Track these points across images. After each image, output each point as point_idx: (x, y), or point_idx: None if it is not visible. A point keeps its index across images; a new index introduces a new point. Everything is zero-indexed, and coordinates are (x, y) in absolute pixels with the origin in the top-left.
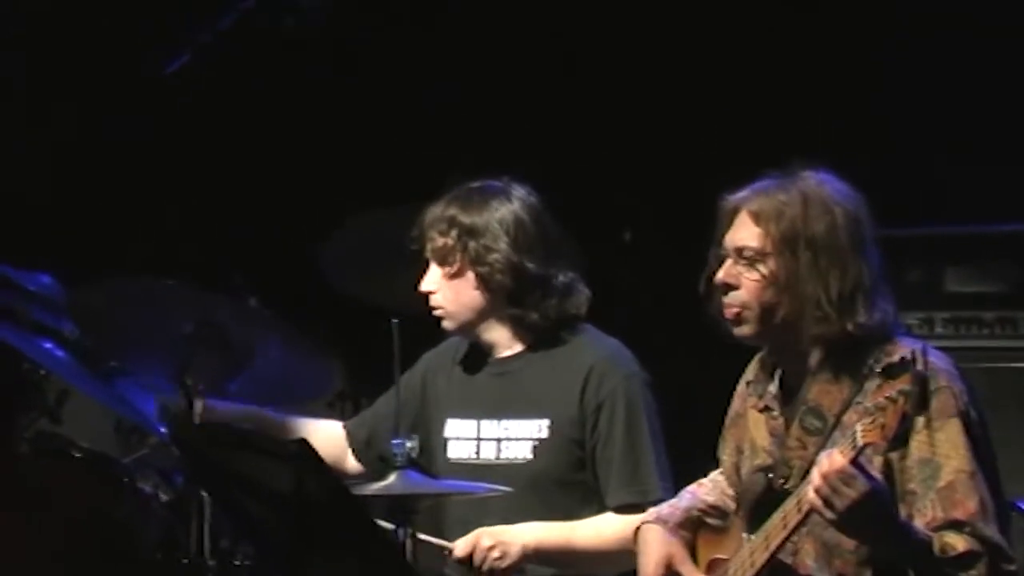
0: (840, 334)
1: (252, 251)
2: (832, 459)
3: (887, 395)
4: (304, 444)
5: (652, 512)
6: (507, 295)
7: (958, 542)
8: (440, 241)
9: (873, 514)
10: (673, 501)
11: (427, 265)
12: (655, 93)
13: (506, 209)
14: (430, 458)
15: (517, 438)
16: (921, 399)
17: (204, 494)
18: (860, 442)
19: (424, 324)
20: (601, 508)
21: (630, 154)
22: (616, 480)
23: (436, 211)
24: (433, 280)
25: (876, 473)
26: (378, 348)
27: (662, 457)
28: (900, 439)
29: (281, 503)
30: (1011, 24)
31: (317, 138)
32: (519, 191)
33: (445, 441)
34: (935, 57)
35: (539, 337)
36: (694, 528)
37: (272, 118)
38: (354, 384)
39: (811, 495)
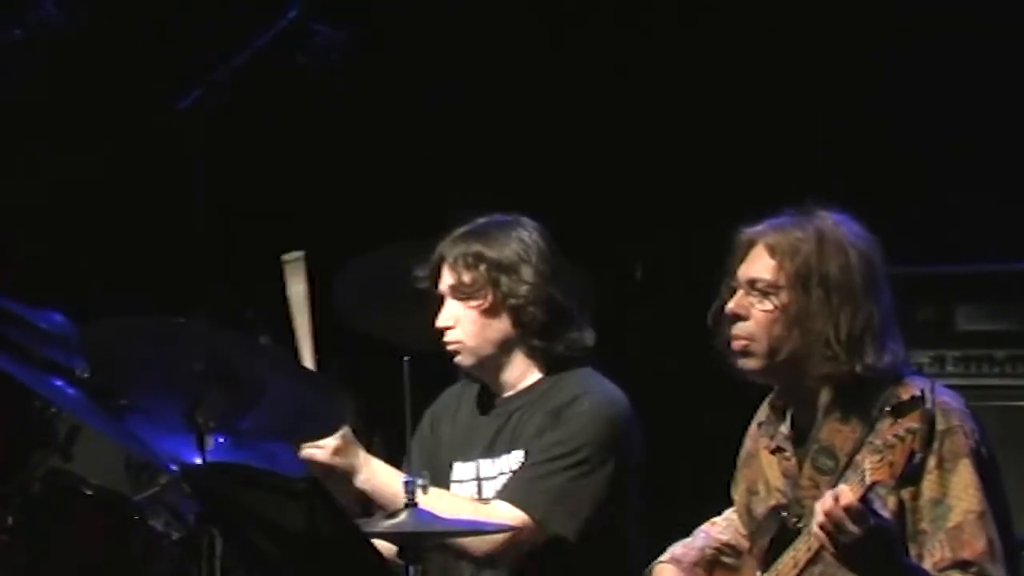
0: (848, 374)
1: (262, 288)
2: (841, 494)
3: (895, 433)
4: (314, 482)
5: (667, 552)
6: (536, 327)
7: None
8: (467, 276)
9: (877, 552)
10: (687, 540)
11: (440, 301)
12: (661, 118)
13: (528, 241)
14: None
15: (507, 472)
16: (929, 437)
17: (215, 532)
18: (869, 480)
19: (435, 362)
20: None
21: (640, 189)
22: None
23: (456, 247)
24: (452, 315)
25: (885, 512)
26: (389, 387)
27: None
28: (909, 477)
29: (291, 541)
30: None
31: (326, 174)
32: (530, 223)
33: (450, 485)
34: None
35: (555, 366)
36: (709, 567)
37: (283, 154)
38: (365, 422)
39: (815, 529)
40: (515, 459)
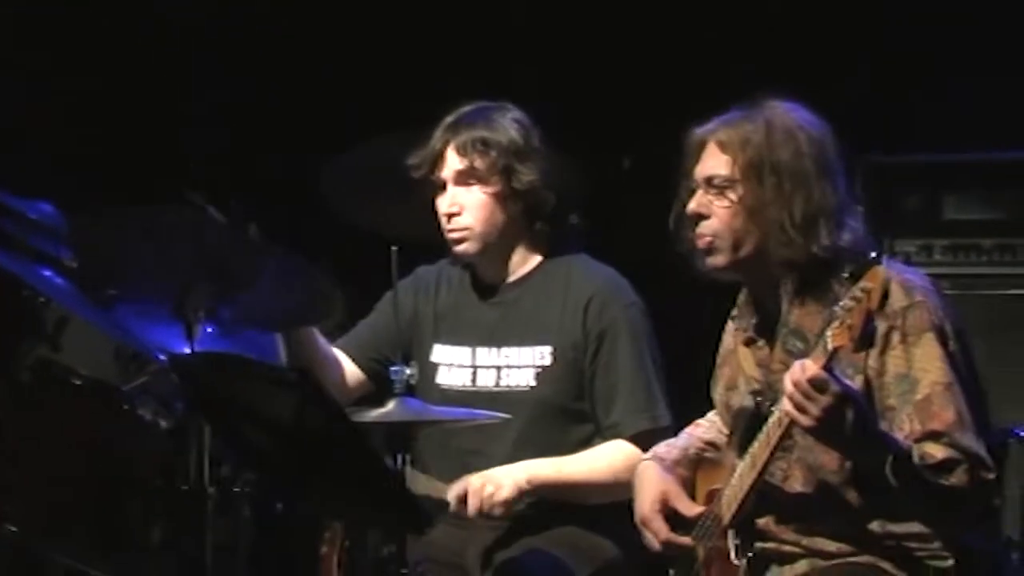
0: (806, 257)
1: (251, 179)
2: (804, 366)
3: (852, 296)
4: (304, 372)
5: (650, 452)
6: (543, 211)
7: (936, 451)
8: (479, 162)
9: (848, 420)
10: (670, 441)
11: (438, 190)
12: (653, 10)
13: (526, 125)
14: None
15: (519, 365)
16: (883, 295)
17: (204, 421)
18: (831, 346)
19: (423, 251)
20: (591, 433)
21: (629, 77)
22: (625, 407)
23: (461, 133)
24: (458, 201)
25: (850, 382)
26: (376, 277)
27: (664, 386)
28: (867, 338)
29: (281, 430)
30: None
31: (317, 63)
32: (517, 110)
33: (435, 367)
34: None
35: (552, 251)
36: (692, 466)
37: (271, 43)
38: (352, 313)
39: (785, 404)
40: (540, 353)
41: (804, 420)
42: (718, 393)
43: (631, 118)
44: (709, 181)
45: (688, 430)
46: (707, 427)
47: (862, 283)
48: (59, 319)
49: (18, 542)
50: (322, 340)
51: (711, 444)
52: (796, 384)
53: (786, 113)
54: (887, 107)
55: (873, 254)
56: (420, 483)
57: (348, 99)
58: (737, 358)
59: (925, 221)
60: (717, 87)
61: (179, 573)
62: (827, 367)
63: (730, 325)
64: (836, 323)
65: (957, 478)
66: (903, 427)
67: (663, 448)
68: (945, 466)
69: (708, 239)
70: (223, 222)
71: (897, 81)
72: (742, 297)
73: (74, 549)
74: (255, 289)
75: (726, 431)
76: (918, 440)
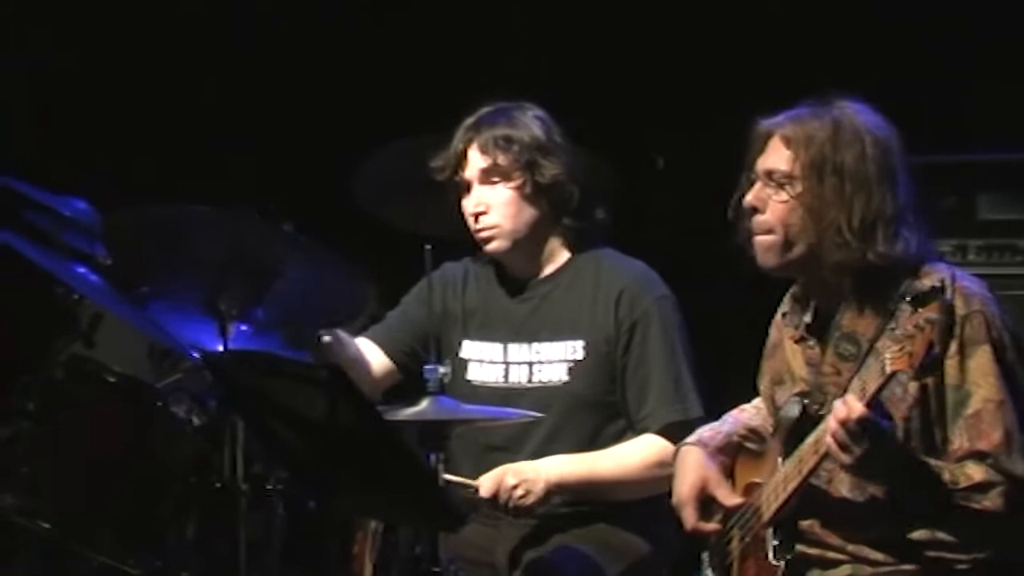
0: (861, 262)
1: (287, 177)
2: (849, 405)
3: (915, 323)
4: (336, 370)
5: (694, 435)
6: (570, 207)
7: (976, 472)
8: (503, 159)
9: (886, 458)
10: (715, 425)
11: (464, 189)
12: (688, 11)
13: (548, 122)
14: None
15: (551, 360)
16: (948, 327)
17: (237, 419)
18: (889, 369)
19: (456, 250)
20: (624, 427)
21: (662, 78)
22: (656, 399)
23: (483, 131)
24: (484, 200)
25: (893, 419)
26: (410, 275)
27: (696, 378)
28: (928, 368)
29: (313, 428)
30: None
31: (351, 65)
32: (537, 107)
33: (465, 363)
34: None
35: (580, 246)
36: (734, 452)
37: (306, 44)
38: (385, 312)
39: (828, 439)
40: (571, 348)
41: (844, 458)
42: (764, 385)
43: (666, 117)
44: (769, 175)
45: (733, 414)
46: (752, 413)
47: (927, 312)
48: (93, 316)
49: (52, 539)
50: (349, 339)
51: (755, 432)
52: (842, 423)
53: (854, 114)
54: (921, 106)
55: (937, 283)
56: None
57: (380, 100)
58: (785, 354)
59: (959, 221)
60: (755, 87)
61: (212, 570)
62: (871, 403)
63: (778, 319)
64: (897, 347)
65: (991, 501)
66: (952, 440)
67: (708, 432)
68: (980, 487)
69: (761, 235)
70: (295, 236)
71: (932, 80)
72: (794, 292)
73: (107, 546)
74: (286, 286)
75: (770, 420)
76: (963, 458)
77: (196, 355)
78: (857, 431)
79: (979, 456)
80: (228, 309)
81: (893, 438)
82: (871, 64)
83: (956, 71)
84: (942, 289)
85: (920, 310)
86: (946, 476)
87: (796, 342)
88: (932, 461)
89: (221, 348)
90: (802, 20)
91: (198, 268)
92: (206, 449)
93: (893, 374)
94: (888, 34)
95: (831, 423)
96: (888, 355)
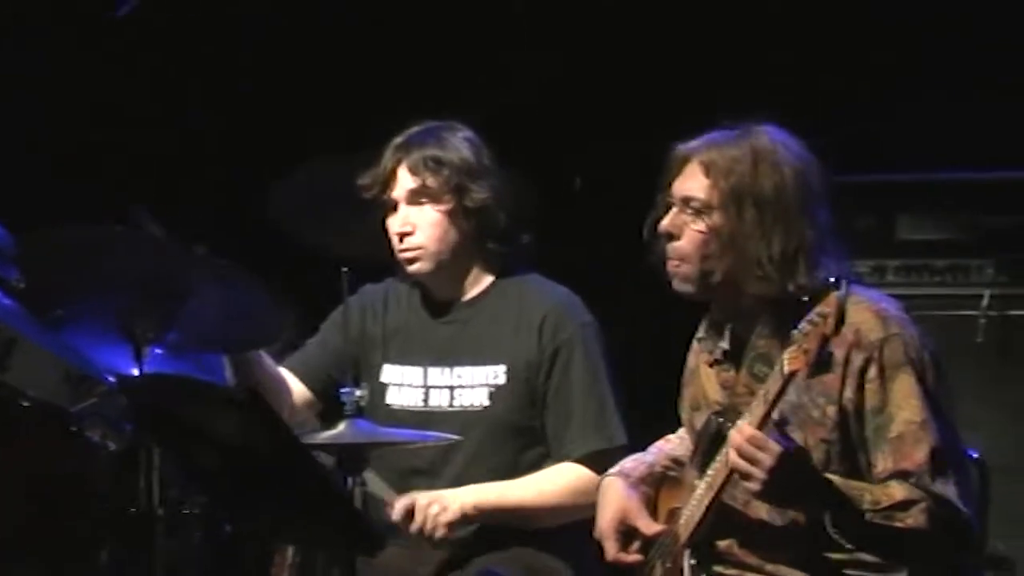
0: (781, 293)
1: (201, 199)
2: (741, 430)
3: (809, 319)
4: (253, 393)
5: (616, 466)
6: (496, 230)
7: (898, 491)
8: (431, 180)
9: (792, 475)
10: (638, 456)
11: (389, 210)
12: (607, 27)
13: (477, 143)
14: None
15: (472, 385)
16: (839, 320)
17: (153, 444)
18: (787, 369)
19: (374, 272)
20: (544, 454)
21: (580, 97)
22: (578, 427)
23: (413, 151)
24: (410, 221)
25: (792, 439)
26: (325, 298)
27: (620, 405)
28: (823, 364)
29: (230, 452)
30: None
31: (267, 82)
32: (465, 128)
33: (385, 387)
34: None
35: (504, 270)
36: (657, 483)
37: (222, 61)
38: (303, 335)
39: (733, 461)
40: (493, 372)
41: (752, 485)
42: (684, 412)
43: (581, 137)
44: (686, 201)
45: (658, 445)
46: (676, 443)
47: (819, 308)
48: (7, 341)
49: None
50: (269, 361)
51: (678, 461)
52: (738, 449)
53: (773, 142)
54: (840, 126)
55: (832, 279)
56: (375, 485)
57: (297, 117)
58: (700, 379)
59: (878, 241)
60: (672, 106)
61: None
62: (764, 424)
63: (695, 345)
64: (793, 347)
65: (913, 518)
66: (876, 464)
67: (630, 463)
68: (900, 506)
69: (676, 263)
70: (163, 237)
71: (850, 99)
72: (709, 317)
73: (22, 573)
74: (201, 310)
75: (693, 446)
76: (887, 479)
77: (111, 379)
78: (755, 453)
79: (902, 475)
80: (143, 332)
81: (799, 458)
82: (789, 81)
83: (876, 87)
84: (836, 285)
85: (813, 308)
86: (867, 496)
87: (711, 366)
88: (852, 482)
89: (136, 372)
90: (716, 40)
91: (112, 290)
92: (122, 474)
93: (792, 375)
94: (805, 52)
95: (731, 453)
96: (786, 356)
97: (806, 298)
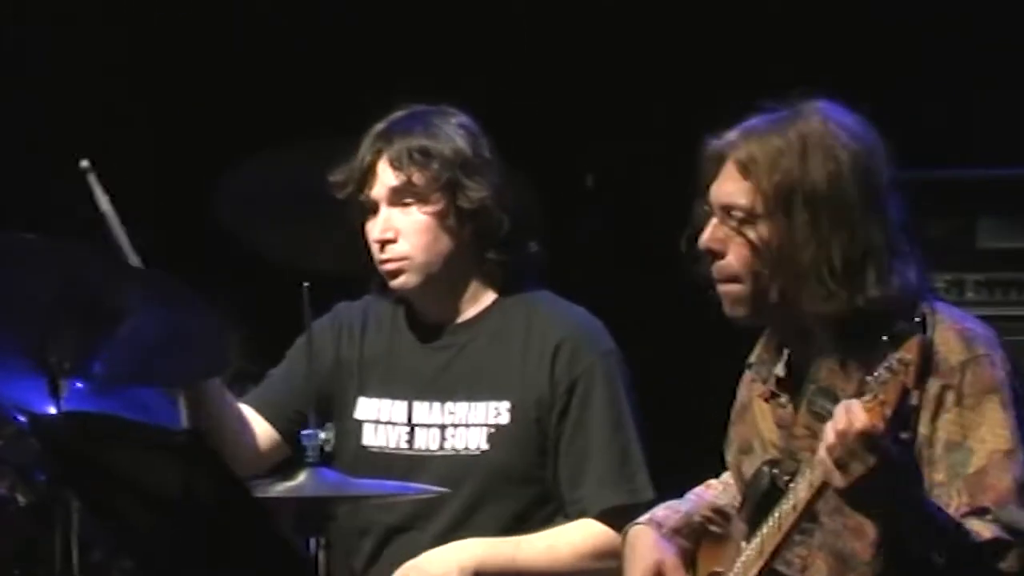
0: (849, 311)
1: (134, 201)
2: (854, 413)
3: (888, 366)
4: (194, 434)
5: (646, 514)
6: (497, 237)
7: (983, 529)
8: (418, 176)
9: (894, 487)
10: (672, 503)
11: (368, 212)
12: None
13: (475, 132)
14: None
15: (468, 424)
16: (924, 370)
17: (71, 496)
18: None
19: (341, 288)
20: (555, 511)
21: (592, 82)
22: (596, 477)
23: (395, 142)
24: (393, 225)
25: (905, 442)
26: (284, 317)
27: (646, 452)
28: (902, 419)
29: (166, 507)
30: None
31: (212, 64)
32: (461, 114)
33: (360, 424)
34: None
35: (508, 286)
36: (696, 536)
37: (165, 40)
38: (253, 361)
39: (821, 453)
40: (494, 410)
41: (839, 480)
42: (731, 456)
43: (595, 130)
44: (726, 210)
45: (697, 491)
46: (719, 491)
47: (900, 353)
48: None
49: None
50: (229, 396)
51: (721, 513)
52: (842, 435)
53: (825, 121)
54: (912, 116)
55: (917, 319)
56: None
57: (254, 98)
58: (754, 415)
59: (954, 251)
60: (704, 83)
61: None
62: (887, 421)
63: (747, 375)
64: (868, 397)
65: (1008, 564)
66: (949, 505)
67: (662, 511)
68: (995, 547)
69: (724, 284)
70: (144, 272)
71: (925, 88)
72: (764, 341)
73: None
74: (133, 335)
75: (740, 497)
76: (963, 516)
77: (21, 419)
78: (860, 446)
79: (981, 512)
80: (60, 362)
81: (904, 464)
82: (842, 60)
83: (953, 74)
84: (922, 325)
85: (895, 351)
86: (963, 527)
87: (766, 400)
88: (943, 509)
89: (52, 410)
90: (764, 19)
91: (21, 311)
92: (33, 533)
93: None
94: (876, 38)
95: (828, 433)
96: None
97: (885, 337)
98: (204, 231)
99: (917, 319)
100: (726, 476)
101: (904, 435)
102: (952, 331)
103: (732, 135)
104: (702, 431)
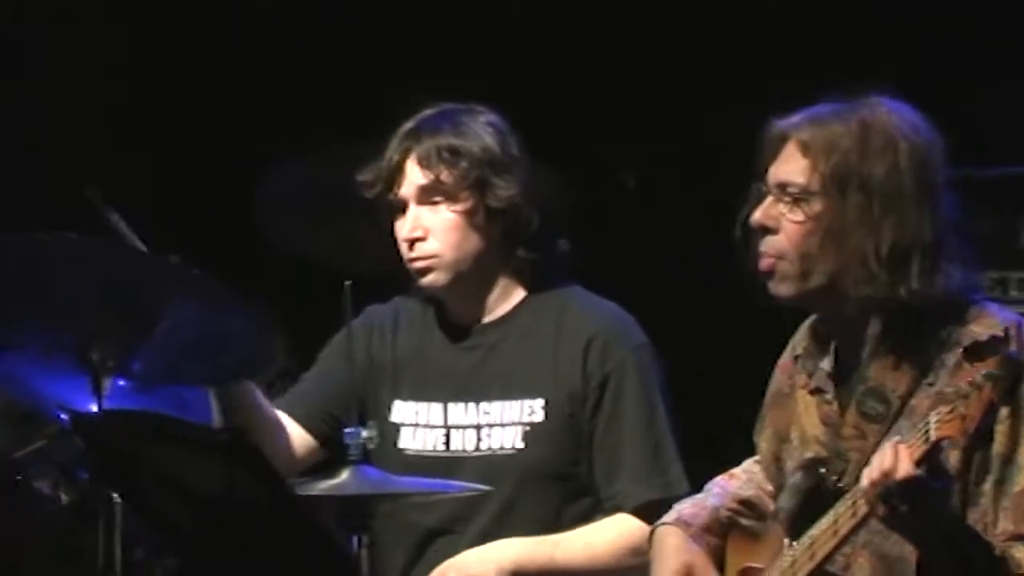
0: (891, 300)
1: (177, 201)
2: (899, 457)
3: (970, 379)
4: (236, 433)
5: (672, 512)
6: (527, 234)
7: None
8: (446, 175)
9: (938, 520)
10: (698, 498)
11: (398, 210)
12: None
13: (503, 129)
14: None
15: (503, 423)
16: (1012, 386)
17: (114, 494)
18: (934, 436)
19: (383, 287)
20: (592, 506)
21: (631, 77)
22: (631, 472)
23: (424, 141)
24: (422, 224)
25: (950, 478)
26: (325, 317)
27: (679, 445)
28: (984, 435)
29: (208, 506)
30: None
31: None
32: (490, 112)
33: (396, 428)
34: None
35: (538, 283)
36: (723, 531)
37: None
38: (296, 361)
39: (864, 483)
40: (528, 408)
41: (882, 511)
42: (764, 441)
43: (635, 126)
44: (783, 188)
45: (720, 482)
46: (743, 480)
47: (986, 367)
48: None
49: None
50: (262, 397)
51: (749, 504)
52: (884, 476)
53: (888, 114)
54: (955, 111)
55: (999, 332)
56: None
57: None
58: (796, 405)
59: (999, 249)
60: (748, 82)
61: None
62: (929, 457)
63: (787, 362)
64: (946, 409)
65: None
66: (996, 525)
67: (689, 508)
68: None
69: (771, 260)
70: (130, 236)
71: (969, 79)
72: (808, 333)
73: None
74: (174, 333)
75: (769, 486)
76: (1007, 540)
77: (64, 417)
78: (903, 489)
79: None
80: (102, 361)
81: (945, 502)
82: (892, 58)
83: (999, 68)
84: (1005, 339)
85: (976, 364)
86: (1004, 557)
87: (810, 393)
88: (987, 537)
89: (95, 408)
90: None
91: (65, 311)
92: (76, 532)
93: (938, 442)
94: (914, 20)
95: (872, 470)
96: (934, 418)
97: (962, 349)
98: (246, 234)
99: (999, 334)
100: (748, 464)
101: (946, 474)
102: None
103: (796, 117)
104: (726, 421)
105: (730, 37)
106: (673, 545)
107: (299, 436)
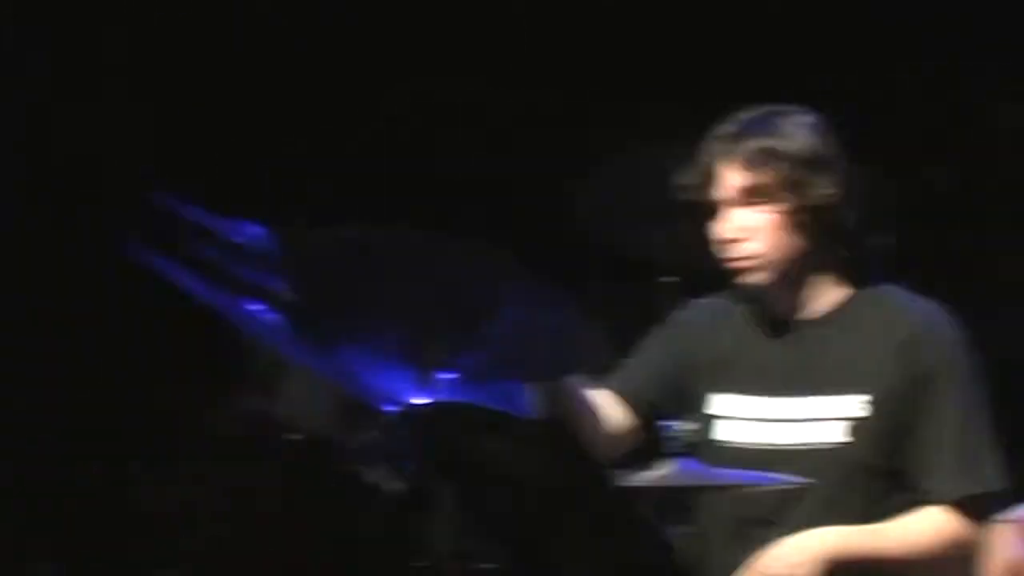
0: None
1: (497, 198)
2: None
3: None
4: (554, 425)
5: (1015, 512)
6: (845, 232)
7: None
8: (766, 176)
9: None
10: None
11: (715, 212)
12: None
13: (821, 130)
14: None
15: (827, 418)
16: None
17: (443, 485)
18: None
19: (699, 283)
20: (909, 502)
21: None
22: (949, 467)
23: (741, 143)
24: (742, 224)
25: None
26: (644, 313)
27: (993, 439)
28: None
29: (534, 497)
30: None
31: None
32: (810, 112)
33: (711, 420)
34: None
35: (856, 280)
36: None
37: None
38: (619, 357)
39: None
40: (852, 403)
41: None
42: None
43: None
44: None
45: None
46: None
47: None
48: (272, 364)
49: None
50: (583, 388)
51: None
52: None
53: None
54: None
55: None
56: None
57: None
58: None
59: None
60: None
61: None
62: None
63: None
64: None
65: None
66: None
67: None
68: None
69: None
70: (514, 267)
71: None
72: None
73: None
74: (502, 329)
75: None
76: None
77: (391, 408)
78: None
79: None
80: (433, 355)
81: None
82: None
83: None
84: None
85: None
86: None
87: None
88: None
89: (425, 400)
90: None
91: (397, 303)
92: (405, 520)
93: None
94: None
95: None
96: None
97: None
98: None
99: None
100: None
101: None
102: None
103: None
104: None
105: None
106: (1006, 542)
107: (625, 418)
